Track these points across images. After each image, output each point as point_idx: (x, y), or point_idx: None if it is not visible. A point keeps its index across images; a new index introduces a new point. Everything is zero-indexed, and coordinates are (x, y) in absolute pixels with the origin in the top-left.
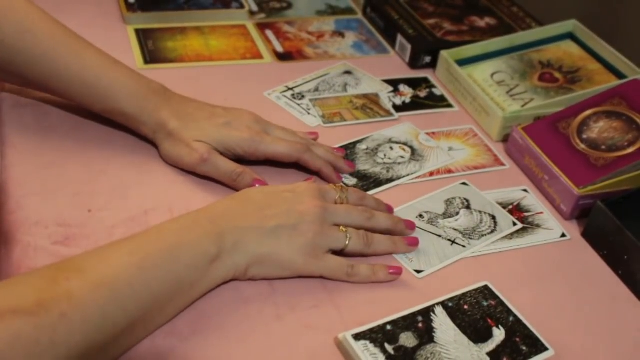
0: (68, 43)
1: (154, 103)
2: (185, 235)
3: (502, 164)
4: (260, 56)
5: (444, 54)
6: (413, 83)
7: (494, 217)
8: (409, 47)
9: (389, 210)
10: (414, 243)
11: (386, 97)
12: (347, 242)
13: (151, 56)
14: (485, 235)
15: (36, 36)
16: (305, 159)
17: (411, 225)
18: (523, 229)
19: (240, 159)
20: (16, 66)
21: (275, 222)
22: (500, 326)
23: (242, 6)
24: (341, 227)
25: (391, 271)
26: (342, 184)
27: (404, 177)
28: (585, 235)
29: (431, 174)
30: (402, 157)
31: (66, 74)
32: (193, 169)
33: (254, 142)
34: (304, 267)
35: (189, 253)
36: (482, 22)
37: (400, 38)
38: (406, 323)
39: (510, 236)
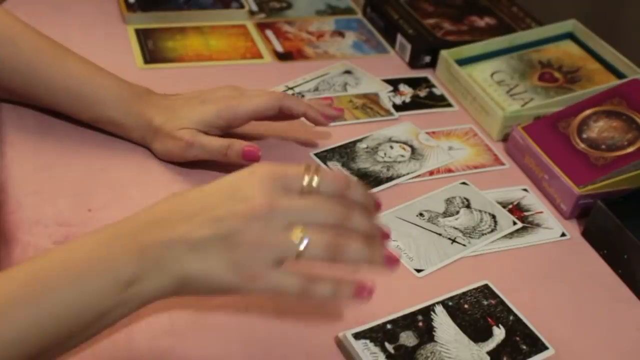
0: (50, 52)
1: (139, 106)
2: (97, 252)
3: (502, 164)
4: (260, 56)
5: (444, 53)
6: (413, 83)
7: (494, 216)
8: (408, 46)
9: (377, 207)
10: (394, 263)
11: (386, 96)
12: (300, 249)
13: (151, 56)
14: (486, 234)
15: (18, 45)
16: (288, 104)
17: (386, 237)
18: (523, 228)
19: (229, 132)
20: None
21: (203, 231)
22: (500, 325)
23: (242, 6)
24: (298, 229)
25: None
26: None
27: (404, 175)
28: (585, 234)
29: (431, 173)
30: (402, 156)
31: (50, 82)
32: (185, 158)
33: (231, 107)
34: (240, 288)
35: (98, 277)
36: (481, 22)
37: (400, 38)
38: (406, 322)
39: (510, 235)
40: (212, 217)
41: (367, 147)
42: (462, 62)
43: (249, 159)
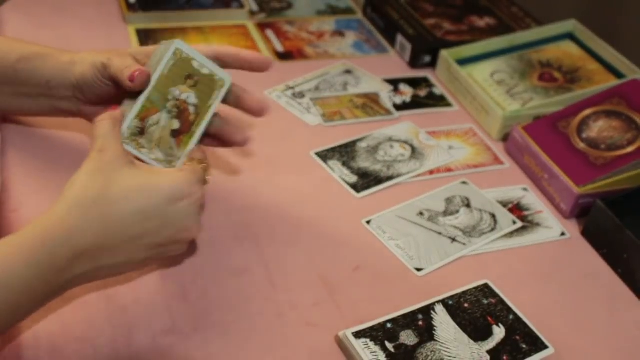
0: None
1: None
2: (26, 291)
3: (502, 163)
4: None
5: (444, 53)
6: (413, 82)
7: (494, 216)
8: (409, 46)
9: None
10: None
11: (386, 96)
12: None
13: None
14: (486, 233)
15: None
16: (222, 47)
17: None
18: (523, 228)
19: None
20: None
21: (143, 255)
22: (500, 324)
23: (242, 6)
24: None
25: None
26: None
27: (404, 175)
28: (585, 233)
29: (431, 172)
30: (402, 155)
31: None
32: (96, 86)
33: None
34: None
35: (29, 305)
36: (481, 22)
37: (400, 38)
38: (406, 321)
39: (510, 235)
40: (153, 244)
41: (367, 147)
42: (462, 62)
43: (130, 79)
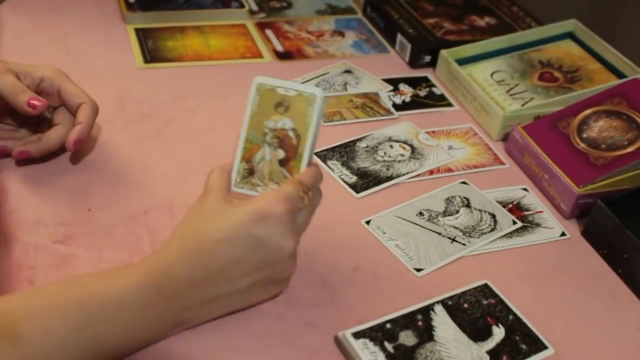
0: None
1: None
2: (139, 315)
3: (502, 163)
4: (260, 55)
5: (444, 53)
6: (413, 82)
7: (493, 216)
8: (408, 46)
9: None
10: None
11: (386, 96)
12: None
13: (151, 55)
14: (485, 233)
15: None
16: (86, 109)
17: None
18: (523, 228)
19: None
20: None
21: (247, 281)
22: (500, 325)
23: (242, 5)
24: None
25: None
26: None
27: (403, 175)
28: (585, 234)
29: (431, 172)
30: (402, 155)
31: None
32: None
33: (55, 80)
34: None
35: (143, 333)
36: (482, 22)
37: (400, 37)
38: (406, 321)
39: (510, 235)
40: (249, 269)
41: (367, 147)
42: (462, 61)
43: (32, 107)
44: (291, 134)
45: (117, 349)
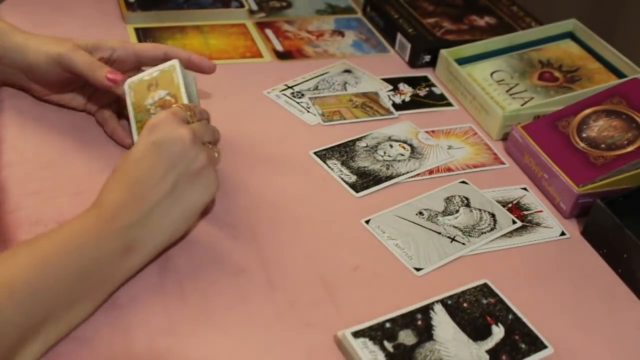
0: None
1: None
2: (88, 234)
3: (502, 163)
4: (259, 55)
5: (444, 52)
6: (413, 82)
7: (493, 215)
8: (408, 46)
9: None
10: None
11: (386, 95)
12: (219, 159)
13: None
14: (485, 233)
15: None
16: (174, 49)
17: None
18: (523, 227)
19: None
20: None
21: (169, 181)
22: (499, 324)
23: (241, 5)
24: (209, 145)
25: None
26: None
27: (403, 174)
28: (585, 233)
29: (431, 172)
30: (401, 154)
31: None
32: (51, 75)
33: (127, 46)
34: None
35: (95, 252)
36: (481, 21)
37: (399, 37)
38: (405, 321)
39: (510, 234)
40: (164, 168)
41: (366, 146)
42: (462, 61)
43: (112, 82)
44: (168, 97)
45: (81, 285)
